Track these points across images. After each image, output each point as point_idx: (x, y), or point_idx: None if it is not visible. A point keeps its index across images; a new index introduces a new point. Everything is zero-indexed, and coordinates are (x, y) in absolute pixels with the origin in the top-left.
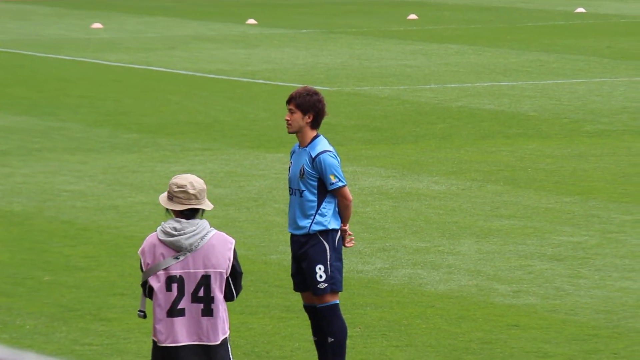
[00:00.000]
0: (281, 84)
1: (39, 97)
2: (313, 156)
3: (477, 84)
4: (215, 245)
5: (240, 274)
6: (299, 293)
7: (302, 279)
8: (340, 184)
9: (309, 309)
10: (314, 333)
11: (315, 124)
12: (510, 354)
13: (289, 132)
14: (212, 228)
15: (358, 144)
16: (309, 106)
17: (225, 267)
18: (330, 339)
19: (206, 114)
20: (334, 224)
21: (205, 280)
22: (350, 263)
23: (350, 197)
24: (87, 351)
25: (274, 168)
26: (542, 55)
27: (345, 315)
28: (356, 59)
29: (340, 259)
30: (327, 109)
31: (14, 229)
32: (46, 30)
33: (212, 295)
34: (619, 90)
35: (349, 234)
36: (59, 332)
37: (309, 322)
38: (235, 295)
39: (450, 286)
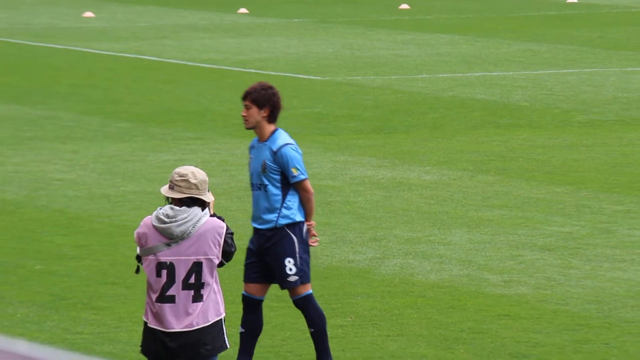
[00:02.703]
0: (273, 73)
1: (30, 85)
2: (274, 150)
3: (469, 74)
4: (206, 231)
5: (231, 252)
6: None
7: (258, 270)
8: (302, 176)
9: (248, 299)
10: (243, 324)
11: (272, 118)
12: (501, 343)
13: (247, 128)
14: (205, 213)
15: (349, 133)
16: (264, 100)
17: (215, 254)
18: (310, 329)
19: (198, 103)
20: (300, 216)
21: (197, 267)
22: (341, 253)
23: (312, 190)
24: (78, 340)
25: None
26: (533, 45)
27: (337, 305)
28: (348, 48)
29: (307, 252)
30: (283, 102)
31: (5, 217)
32: (37, 19)
33: (202, 281)
34: (610, 81)
35: (314, 235)
36: (50, 321)
37: (299, 312)
38: (225, 263)
39: (441, 276)
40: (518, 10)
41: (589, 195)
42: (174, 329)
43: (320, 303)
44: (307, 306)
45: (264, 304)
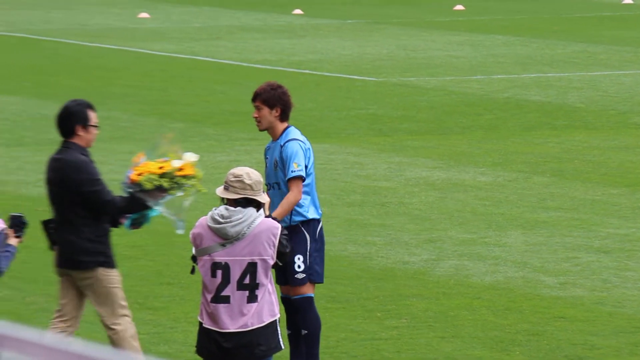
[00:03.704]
0: (327, 74)
1: (85, 86)
2: (282, 144)
3: (524, 75)
4: (261, 232)
5: (286, 253)
6: (345, 283)
7: (282, 271)
8: (299, 172)
9: (285, 300)
10: (288, 326)
11: (284, 117)
12: (557, 345)
13: (260, 130)
14: (260, 214)
15: (404, 134)
16: (275, 100)
17: (270, 254)
18: (303, 331)
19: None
20: (313, 214)
21: (251, 267)
22: (396, 254)
23: (301, 195)
24: None
25: (320, 158)
26: (589, 47)
27: (391, 306)
28: (402, 49)
29: (320, 250)
30: (297, 98)
31: None
32: (92, 20)
33: (257, 282)
34: None
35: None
36: None
37: (355, 313)
38: (280, 264)
39: (496, 278)
40: (573, 11)
41: None
42: (228, 329)
43: (375, 304)
44: (306, 308)
45: (318, 305)
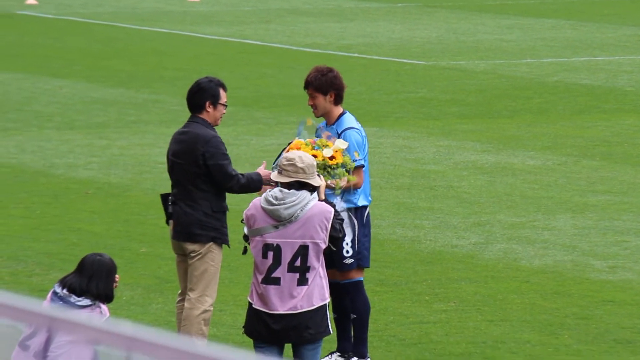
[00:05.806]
0: (376, 57)
1: (135, 70)
2: (339, 132)
3: (574, 59)
4: (314, 215)
5: (339, 238)
6: (393, 266)
7: (330, 257)
8: (361, 162)
9: (333, 284)
10: (334, 310)
11: (338, 100)
12: (606, 329)
13: (317, 117)
14: (313, 197)
15: (453, 118)
16: (328, 86)
17: (322, 238)
18: (353, 315)
19: (301, 87)
20: (362, 201)
21: (303, 250)
22: (445, 237)
23: (362, 183)
24: None
25: (369, 142)
26: (639, 30)
27: (440, 290)
28: (452, 33)
29: (368, 235)
30: (346, 81)
31: (110, 200)
32: (143, 3)
33: (308, 264)
34: None
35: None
36: (155, 304)
37: (403, 296)
38: (333, 249)
39: (545, 261)
40: None
41: None
42: (277, 311)
43: (423, 288)
44: (355, 292)
45: (367, 288)
